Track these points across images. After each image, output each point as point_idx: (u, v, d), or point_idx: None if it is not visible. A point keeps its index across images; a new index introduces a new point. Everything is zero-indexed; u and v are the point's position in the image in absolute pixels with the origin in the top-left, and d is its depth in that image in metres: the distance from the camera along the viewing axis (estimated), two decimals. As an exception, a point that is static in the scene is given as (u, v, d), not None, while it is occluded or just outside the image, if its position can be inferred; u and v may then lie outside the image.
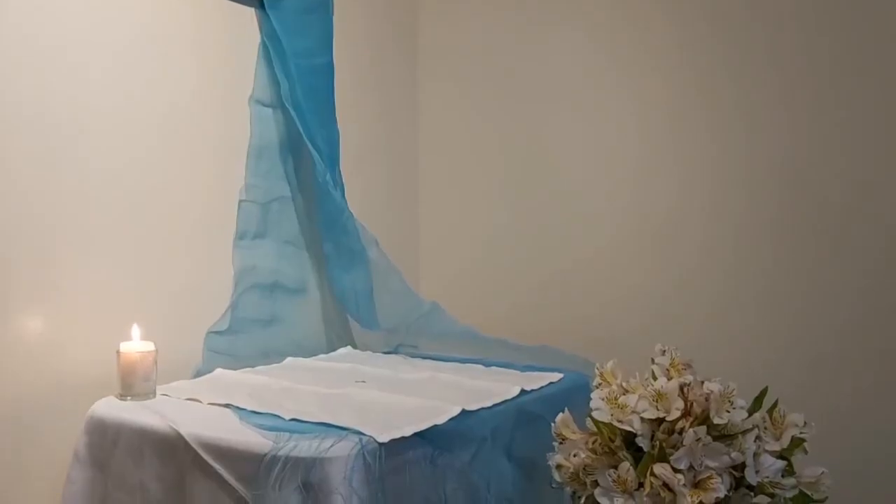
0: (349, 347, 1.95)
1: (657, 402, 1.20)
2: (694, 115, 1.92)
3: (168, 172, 1.63)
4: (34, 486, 1.40)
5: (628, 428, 1.20)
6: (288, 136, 1.86)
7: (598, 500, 1.20)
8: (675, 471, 1.16)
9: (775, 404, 1.26)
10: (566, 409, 1.32)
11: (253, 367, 1.68)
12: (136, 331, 1.44)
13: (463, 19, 2.25)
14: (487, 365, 1.73)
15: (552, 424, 1.31)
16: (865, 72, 1.71)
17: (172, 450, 1.23)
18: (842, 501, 1.32)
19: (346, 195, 1.89)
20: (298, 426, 1.20)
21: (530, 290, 2.17)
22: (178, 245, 1.64)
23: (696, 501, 1.14)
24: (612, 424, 1.22)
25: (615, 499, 1.18)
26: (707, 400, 1.19)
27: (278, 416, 1.26)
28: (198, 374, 1.60)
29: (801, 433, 1.24)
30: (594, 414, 1.23)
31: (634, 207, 2.01)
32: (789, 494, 1.21)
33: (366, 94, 2.15)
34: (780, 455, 1.22)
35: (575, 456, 1.25)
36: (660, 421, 1.20)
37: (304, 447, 1.11)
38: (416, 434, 1.20)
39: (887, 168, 1.70)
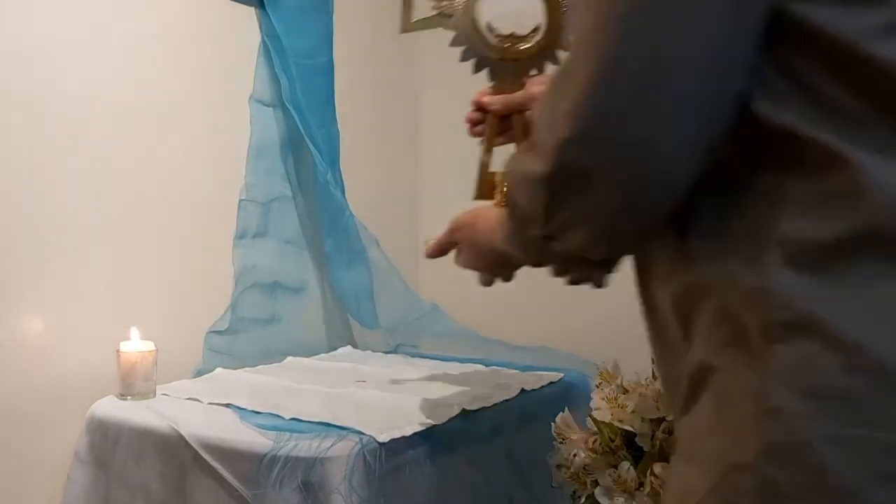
0: (349, 347, 1.95)
1: (658, 401, 1.20)
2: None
3: (168, 172, 1.63)
4: (35, 486, 1.40)
5: (629, 428, 1.20)
6: (288, 136, 1.86)
7: (599, 499, 1.20)
8: (676, 470, 1.16)
9: (775, 404, 1.25)
10: (566, 408, 1.32)
11: (253, 366, 1.68)
12: (135, 331, 1.44)
13: (463, 19, 2.24)
14: (487, 365, 1.72)
15: (552, 424, 1.31)
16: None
17: (173, 449, 1.23)
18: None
19: (345, 194, 1.89)
20: (298, 426, 1.20)
21: (530, 290, 2.16)
22: (178, 244, 1.64)
23: (696, 501, 1.14)
24: (612, 424, 1.22)
25: (615, 498, 1.18)
26: (707, 400, 1.19)
27: (278, 416, 1.26)
28: (198, 373, 1.60)
29: (801, 433, 1.24)
30: (594, 414, 1.24)
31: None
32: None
33: (366, 94, 2.15)
34: (780, 455, 1.22)
35: (575, 456, 1.25)
36: (660, 421, 1.20)
37: (305, 447, 1.11)
38: (416, 434, 1.20)
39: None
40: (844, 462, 0.49)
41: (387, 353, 1.91)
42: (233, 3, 1.75)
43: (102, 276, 1.51)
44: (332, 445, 1.11)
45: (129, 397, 1.38)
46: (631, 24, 0.53)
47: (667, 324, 0.63)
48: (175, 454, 1.23)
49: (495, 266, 0.93)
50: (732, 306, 0.54)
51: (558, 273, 0.75)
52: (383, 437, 1.15)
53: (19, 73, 1.38)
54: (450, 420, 1.26)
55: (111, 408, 1.36)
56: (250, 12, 1.79)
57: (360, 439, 1.13)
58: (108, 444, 1.32)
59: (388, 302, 1.90)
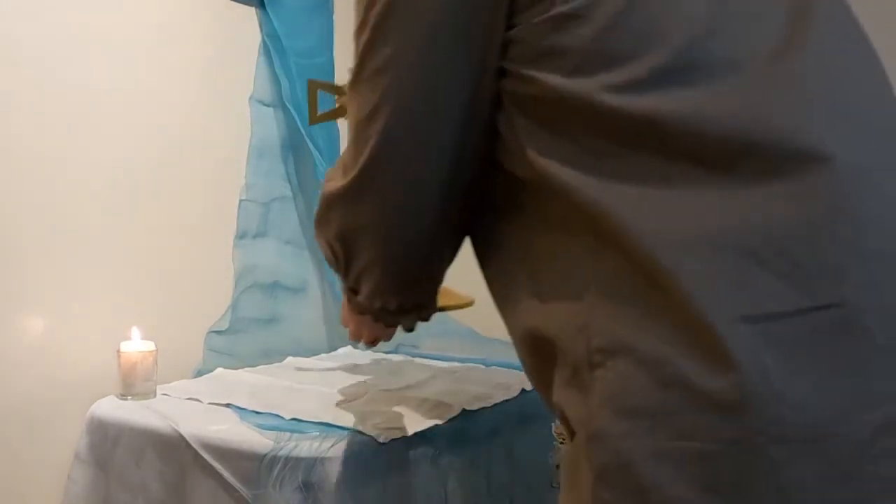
0: (349, 347, 1.95)
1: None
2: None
3: (168, 172, 1.63)
4: (35, 486, 1.40)
5: (628, 428, 1.20)
6: (288, 136, 1.86)
7: (599, 499, 1.20)
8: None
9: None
10: (566, 408, 1.32)
11: (253, 366, 1.68)
12: (136, 331, 1.44)
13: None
14: (488, 365, 1.72)
15: (552, 424, 1.31)
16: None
17: (173, 449, 1.23)
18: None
19: (346, 195, 1.89)
20: (299, 426, 1.20)
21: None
22: (179, 244, 1.64)
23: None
24: (612, 424, 1.22)
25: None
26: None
27: (279, 416, 1.26)
28: (198, 373, 1.61)
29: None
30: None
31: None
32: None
33: (366, 93, 2.15)
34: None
35: (575, 456, 1.25)
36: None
37: (305, 447, 1.11)
38: (416, 434, 1.20)
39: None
40: (666, 477, 0.50)
41: (387, 353, 1.91)
42: (233, 3, 1.75)
43: (102, 276, 1.51)
44: (332, 445, 1.11)
45: (129, 397, 1.38)
46: (377, 126, 0.65)
47: (531, 368, 0.68)
48: (175, 454, 1.23)
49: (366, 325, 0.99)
50: (567, 348, 0.58)
51: (375, 321, 0.84)
52: (383, 437, 1.15)
53: (20, 73, 1.38)
54: (450, 420, 1.26)
55: (111, 408, 1.36)
56: (250, 12, 1.79)
57: (361, 439, 1.13)
58: (109, 444, 1.32)
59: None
